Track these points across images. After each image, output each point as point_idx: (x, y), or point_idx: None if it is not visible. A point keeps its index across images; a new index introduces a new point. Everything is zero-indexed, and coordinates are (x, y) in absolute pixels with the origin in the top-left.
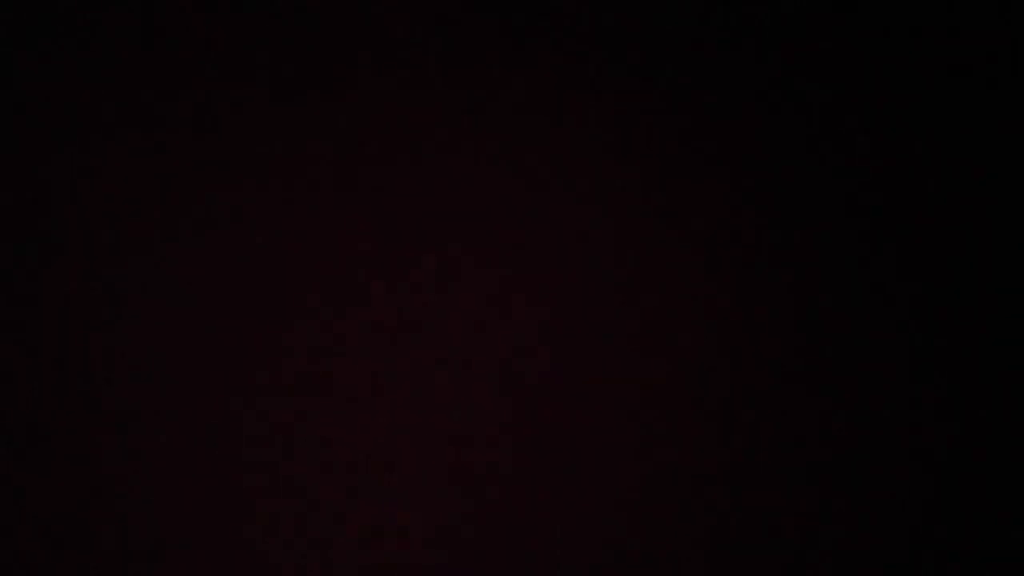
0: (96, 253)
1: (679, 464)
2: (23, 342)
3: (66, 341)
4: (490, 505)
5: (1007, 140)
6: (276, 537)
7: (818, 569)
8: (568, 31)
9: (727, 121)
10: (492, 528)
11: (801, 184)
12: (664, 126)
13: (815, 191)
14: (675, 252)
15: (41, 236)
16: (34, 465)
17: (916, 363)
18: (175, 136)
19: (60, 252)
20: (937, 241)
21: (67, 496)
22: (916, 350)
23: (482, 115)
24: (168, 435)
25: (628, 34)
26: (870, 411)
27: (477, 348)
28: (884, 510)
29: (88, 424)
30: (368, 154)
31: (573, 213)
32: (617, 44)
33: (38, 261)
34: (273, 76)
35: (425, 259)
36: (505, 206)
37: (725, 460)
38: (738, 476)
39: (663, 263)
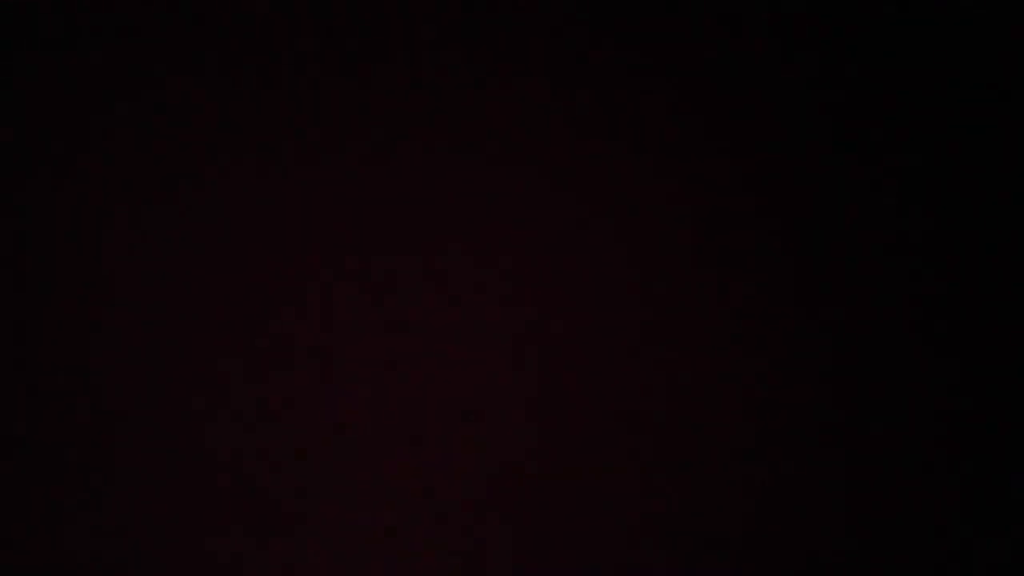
0: (94, 252)
1: (687, 465)
2: (23, 342)
3: (64, 339)
4: (496, 505)
5: (1007, 140)
6: (281, 537)
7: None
8: (565, 29)
9: (732, 116)
10: (497, 528)
11: (810, 180)
12: (669, 120)
13: (822, 188)
14: (684, 246)
15: (39, 235)
16: (34, 465)
17: (916, 365)
18: (168, 130)
19: (58, 251)
20: (937, 242)
21: (66, 496)
22: (917, 351)
23: (488, 108)
24: (168, 434)
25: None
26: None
27: (479, 348)
28: (891, 512)
29: (87, 423)
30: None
31: (574, 208)
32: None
33: (38, 260)
34: (271, 72)
35: (426, 258)
36: (505, 204)
37: (733, 456)
38: (749, 472)
39: (668, 258)
